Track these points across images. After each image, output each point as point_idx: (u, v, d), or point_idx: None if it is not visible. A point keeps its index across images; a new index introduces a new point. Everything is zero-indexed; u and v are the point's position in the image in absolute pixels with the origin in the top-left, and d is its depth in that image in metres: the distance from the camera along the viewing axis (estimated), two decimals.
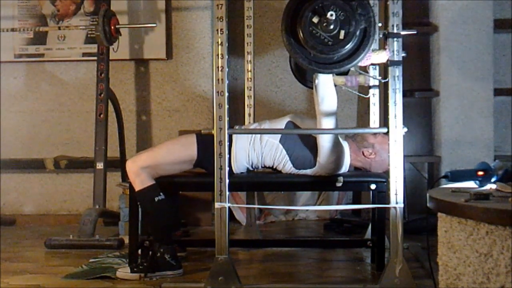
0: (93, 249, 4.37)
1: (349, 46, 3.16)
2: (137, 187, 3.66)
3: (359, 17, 3.15)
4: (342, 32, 3.12)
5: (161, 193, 3.65)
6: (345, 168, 3.71)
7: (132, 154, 4.62)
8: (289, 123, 3.75)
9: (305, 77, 4.10)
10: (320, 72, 3.35)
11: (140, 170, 3.65)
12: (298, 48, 3.20)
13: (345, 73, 3.75)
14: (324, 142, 3.58)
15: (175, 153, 3.72)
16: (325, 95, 3.51)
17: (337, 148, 3.62)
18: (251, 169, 3.79)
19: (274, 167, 3.75)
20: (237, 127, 3.83)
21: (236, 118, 5.04)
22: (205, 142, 3.56)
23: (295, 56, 3.22)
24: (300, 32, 3.15)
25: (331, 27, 3.11)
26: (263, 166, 3.77)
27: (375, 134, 3.78)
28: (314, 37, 3.13)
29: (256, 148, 3.71)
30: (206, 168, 3.65)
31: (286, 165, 3.70)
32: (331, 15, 3.09)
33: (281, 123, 3.76)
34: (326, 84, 3.50)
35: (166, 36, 5.56)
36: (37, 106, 5.67)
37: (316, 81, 3.49)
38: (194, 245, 4.27)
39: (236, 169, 3.72)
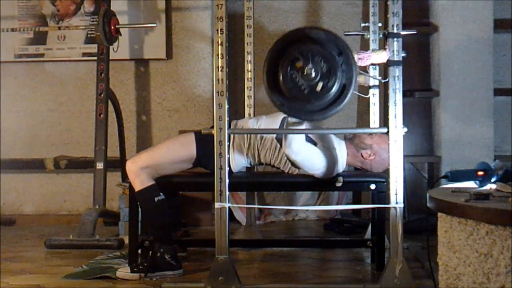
0: (93, 249, 4.37)
1: (324, 100, 3.13)
2: (137, 187, 3.67)
3: (341, 74, 3.12)
4: (320, 85, 3.10)
5: (161, 193, 3.66)
6: (341, 166, 3.70)
7: (132, 154, 4.62)
8: (285, 118, 3.74)
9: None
10: (290, 116, 3.28)
11: (140, 170, 3.65)
12: (275, 87, 3.15)
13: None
14: (302, 162, 3.55)
15: (174, 152, 3.72)
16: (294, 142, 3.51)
17: (321, 158, 3.58)
18: (249, 166, 3.79)
19: (272, 164, 3.75)
20: (233, 122, 3.82)
21: (236, 118, 5.04)
22: (204, 141, 3.56)
23: (269, 93, 3.16)
24: (281, 72, 3.11)
25: (312, 76, 3.08)
26: (261, 163, 3.77)
27: (371, 134, 3.78)
28: (293, 81, 3.10)
29: (254, 146, 3.71)
30: (206, 166, 3.66)
31: (282, 161, 3.70)
32: (310, 69, 3.06)
33: (277, 118, 3.75)
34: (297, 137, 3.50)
35: (166, 36, 5.56)
36: (37, 106, 5.67)
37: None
38: (194, 245, 4.27)
39: (235, 167, 3.72)
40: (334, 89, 3.11)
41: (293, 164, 3.63)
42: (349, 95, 3.14)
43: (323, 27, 3.22)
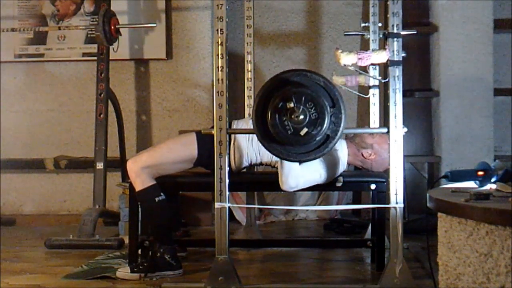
0: (93, 249, 4.37)
1: (304, 146, 3.14)
2: (138, 187, 3.66)
3: (328, 125, 3.12)
4: (304, 130, 3.10)
5: (161, 193, 3.65)
6: (342, 167, 3.70)
7: (132, 154, 4.62)
8: None
9: None
10: (268, 150, 3.26)
11: (141, 170, 3.64)
12: (262, 123, 3.14)
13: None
14: (306, 182, 3.55)
15: (175, 152, 3.71)
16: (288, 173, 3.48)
17: (321, 174, 3.56)
18: (250, 166, 3.79)
19: (272, 164, 3.75)
20: (235, 122, 3.82)
21: (236, 118, 5.03)
22: (205, 141, 3.56)
23: (255, 122, 3.16)
24: (270, 108, 3.11)
25: (299, 119, 3.09)
26: (261, 163, 3.77)
27: (372, 134, 3.78)
28: (280, 119, 3.10)
29: (254, 146, 3.71)
30: (206, 166, 3.66)
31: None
32: (297, 116, 3.07)
33: None
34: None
35: (166, 36, 5.56)
36: (37, 106, 5.67)
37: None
38: (194, 245, 4.27)
39: (235, 167, 3.72)
40: (318, 138, 3.12)
41: None
42: (330, 146, 3.15)
43: (323, 74, 3.24)
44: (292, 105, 3.08)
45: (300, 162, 3.27)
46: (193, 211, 5.18)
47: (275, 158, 3.71)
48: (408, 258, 3.51)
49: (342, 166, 3.70)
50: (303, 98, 3.09)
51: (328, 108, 3.12)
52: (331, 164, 3.59)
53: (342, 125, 3.15)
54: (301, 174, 3.48)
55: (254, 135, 3.70)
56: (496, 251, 2.20)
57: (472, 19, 5.14)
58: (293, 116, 3.09)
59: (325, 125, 3.11)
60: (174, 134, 5.44)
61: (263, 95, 3.16)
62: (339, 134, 3.15)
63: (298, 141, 3.13)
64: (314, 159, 3.21)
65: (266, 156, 3.72)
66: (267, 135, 3.16)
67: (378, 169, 3.78)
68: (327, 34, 5.83)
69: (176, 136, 4.12)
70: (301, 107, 3.08)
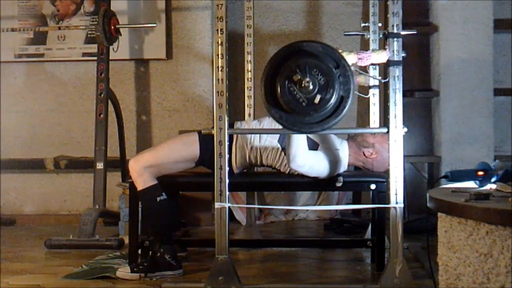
0: (93, 249, 4.37)
1: (322, 112, 3.14)
2: (140, 186, 3.66)
3: (339, 86, 3.13)
4: (318, 97, 3.11)
5: (163, 193, 3.65)
6: (343, 168, 3.70)
7: (132, 154, 4.63)
8: None
9: None
10: (288, 129, 3.29)
11: (143, 169, 3.64)
12: (273, 99, 3.15)
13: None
14: (309, 171, 3.57)
15: (177, 152, 3.71)
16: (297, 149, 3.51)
17: (324, 165, 3.59)
18: (251, 167, 3.79)
19: (273, 166, 3.76)
20: (237, 123, 3.83)
21: (236, 118, 5.04)
22: (207, 141, 3.55)
23: (267, 106, 3.17)
24: (279, 85, 3.12)
25: (309, 88, 3.10)
26: (262, 164, 3.77)
27: (374, 133, 3.78)
28: (291, 94, 3.11)
29: (256, 147, 3.71)
30: (208, 166, 3.65)
31: (283, 163, 3.71)
32: (307, 82, 3.07)
33: None
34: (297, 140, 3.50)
35: (166, 36, 5.56)
36: (37, 106, 5.67)
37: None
38: (194, 245, 4.27)
39: (236, 168, 3.72)
40: (332, 100, 3.12)
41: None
42: (347, 107, 3.15)
43: (320, 40, 3.23)
44: (299, 77, 3.09)
45: (324, 130, 3.23)
46: (193, 211, 5.18)
47: (276, 160, 3.72)
48: (408, 258, 3.51)
49: (343, 167, 3.70)
50: (307, 68, 3.10)
51: (334, 69, 3.13)
52: (334, 161, 3.61)
53: (352, 82, 3.16)
54: (308, 155, 3.52)
55: (256, 136, 3.72)
56: (496, 251, 2.20)
57: (472, 19, 5.14)
58: (303, 87, 3.10)
59: (335, 86, 3.12)
60: (174, 134, 5.44)
61: (267, 79, 3.16)
62: (351, 92, 3.15)
63: (315, 110, 3.12)
64: (336, 123, 3.18)
65: (268, 158, 3.72)
66: (282, 116, 3.17)
67: (379, 169, 3.77)
68: (327, 34, 5.83)
69: (178, 136, 4.12)
70: (308, 76, 3.08)
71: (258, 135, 3.72)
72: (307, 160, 3.54)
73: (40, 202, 5.65)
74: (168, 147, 3.75)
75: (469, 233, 2.30)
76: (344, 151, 3.71)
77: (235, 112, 5.26)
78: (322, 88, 3.11)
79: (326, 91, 3.11)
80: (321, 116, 3.16)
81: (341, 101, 3.15)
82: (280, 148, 3.70)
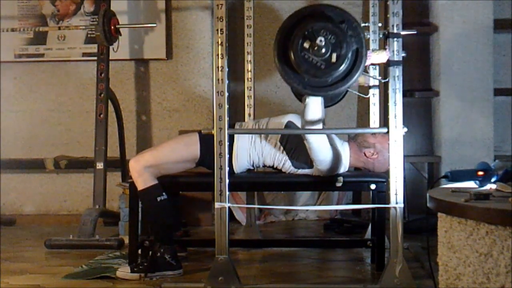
0: (93, 249, 4.37)
1: (342, 68, 3.15)
2: (140, 186, 3.66)
3: (350, 39, 3.14)
4: (334, 55, 3.12)
5: (163, 193, 3.65)
6: (344, 168, 3.71)
7: (132, 154, 4.63)
8: (290, 123, 3.76)
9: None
10: (316, 95, 3.32)
11: (143, 169, 3.64)
12: (292, 73, 3.18)
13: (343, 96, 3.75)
14: (311, 144, 3.56)
15: (178, 152, 3.72)
16: (312, 117, 3.49)
17: (328, 150, 3.60)
18: (251, 168, 3.79)
19: (275, 166, 3.76)
20: (238, 124, 3.83)
21: (236, 118, 5.04)
22: (208, 141, 3.55)
23: (289, 81, 3.20)
24: (293, 57, 3.14)
25: (323, 51, 3.11)
26: (263, 165, 3.78)
27: (374, 134, 3.78)
28: (307, 62, 3.13)
29: (257, 148, 3.71)
30: (209, 166, 3.65)
31: (286, 165, 3.71)
32: (320, 41, 3.09)
33: (282, 120, 3.77)
34: (315, 106, 3.48)
35: (166, 36, 5.56)
36: (37, 106, 5.67)
37: (307, 100, 3.48)
38: (194, 245, 4.27)
39: (237, 168, 3.72)
40: (349, 54, 3.15)
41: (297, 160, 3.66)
42: (364, 57, 3.17)
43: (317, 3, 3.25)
44: (309, 42, 3.10)
45: (349, 85, 3.22)
46: (193, 211, 5.18)
47: (277, 161, 3.72)
48: (408, 258, 3.51)
49: (344, 168, 3.70)
50: (314, 32, 3.10)
51: (339, 25, 3.14)
52: (336, 157, 3.62)
53: (361, 31, 3.17)
54: (327, 145, 3.55)
55: (257, 137, 3.71)
56: (496, 251, 2.20)
57: (472, 19, 5.14)
58: (316, 50, 3.11)
59: (347, 40, 3.13)
60: (174, 134, 5.44)
61: (280, 59, 3.18)
62: (363, 42, 3.16)
63: (335, 68, 3.13)
64: (359, 75, 3.19)
65: (269, 158, 3.72)
66: (306, 86, 3.18)
67: (380, 169, 3.77)
68: None
69: (179, 136, 4.12)
70: (317, 39, 3.09)
71: (259, 137, 3.72)
72: (327, 148, 3.56)
73: (40, 202, 5.65)
74: (169, 147, 3.75)
75: (469, 233, 2.30)
76: (345, 151, 3.71)
77: (235, 112, 5.26)
78: (335, 46, 3.12)
79: (340, 48, 3.13)
80: (343, 72, 3.17)
81: (357, 53, 3.16)
82: (282, 148, 3.69)
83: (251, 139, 3.72)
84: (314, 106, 3.45)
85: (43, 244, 4.46)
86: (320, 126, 3.50)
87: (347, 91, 3.77)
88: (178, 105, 5.61)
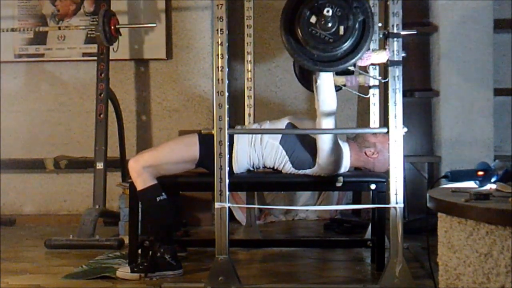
0: (93, 249, 4.37)
1: (350, 41, 3.15)
2: (139, 186, 3.67)
3: (356, 10, 3.14)
4: (342, 28, 3.12)
5: (163, 193, 3.66)
6: (344, 169, 3.71)
7: (132, 154, 4.62)
8: (289, 125, 3.76)
9: (311, 83, 4.10)
10: (327, 71, 3.32)
11: (143, 169, 3.65)
12: (301, 50, 3.18)
13: (351, 72, 3.74)
14: (324, 144, 3.58)
15: (177, 153, 3.72)
16: (326, 96, 3.50)
17: (336, 149, 3.62)
18: (251, 169, 3.79)
19: (275, 167, 3.76)
20: (238, 127, 3.84)
21: (236, 118, 5.04)
22: (207, 142, 3.56)
23: (298, 59, 3.21)
24: (300, 34, 3.15)
25: (330, 24, 3.11)
26: (263, 166, 3.78)
27: (375, 133, 3.78)
28: (314, 37, 3.13)
29: (257, 149, 3.71)
30: (208, 168, 3.65)
31: (286, 166, 3.71)
32: (328, 11, 3.08)
33: (281, 124, 3.77)
34: (327, 85, 3.49)
35: (166, 36, 5.56)
36: (37, 106, 5.67)
37: (318, 81, 3.49)
38: (194, 245, 4.27)
39: (237, 169, 3.72)
40: (357, 25, 3.14)
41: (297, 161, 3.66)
42: (371, 27, 3.16)
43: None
44: (314, 18, 3.10)
45: (360, 56, 3.20)
46: (193, 211, 5.18)
47: (277, 162, 3.72)
48: (408, 258, 3.51)
49: (344, 168, 3.70)
50: (318, 8, 3.11)
51: None
52: (340, 157, 3.62)
53: (366, 3, 3.17)
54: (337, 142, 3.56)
55: (257, 138, 3.71)
56: (496, 251, 2.20)
57: (472, 19, 5.13)
58: (323, 25, 3.10)
59: (353, 11, 3.13)
60: (174, 134, 5.44)
61: (286, 32, 3.19)
62: (370, 12, 3.15)
63: (344, 41, 3.13)
64: (369, 44, 3.19)
65: (269, 160, 3.72)
66: (316, 62, 3.18)
67: (380, 169, 3.77)
68: None
69: (179, 137, 4.13)
70: (324, 10, 3.08)
71: (259, 138, 3.72)
72: (336, 145, 3.58)
73: (40, 202, 5.65)
74: (168, 147, 3.76)
75: (469, 233, 2.30)
76: (345, 152, 3.71)
77: (235, 112, 5.26)
78: (342, 19, 3.12)
79: (347, 19, 3.13)
80: (352, 45, 3.17)
81: (364, 24, 3.16)
82: (282, 149, 3.69)
83: (251, 141, 3.72)
84: (327, 85, 3.46)
85: (43, 244, 4.46)
86: (335, 108, 3.51)
87: (342, 86, 3.78)
88: (178, 105, 5.61)
